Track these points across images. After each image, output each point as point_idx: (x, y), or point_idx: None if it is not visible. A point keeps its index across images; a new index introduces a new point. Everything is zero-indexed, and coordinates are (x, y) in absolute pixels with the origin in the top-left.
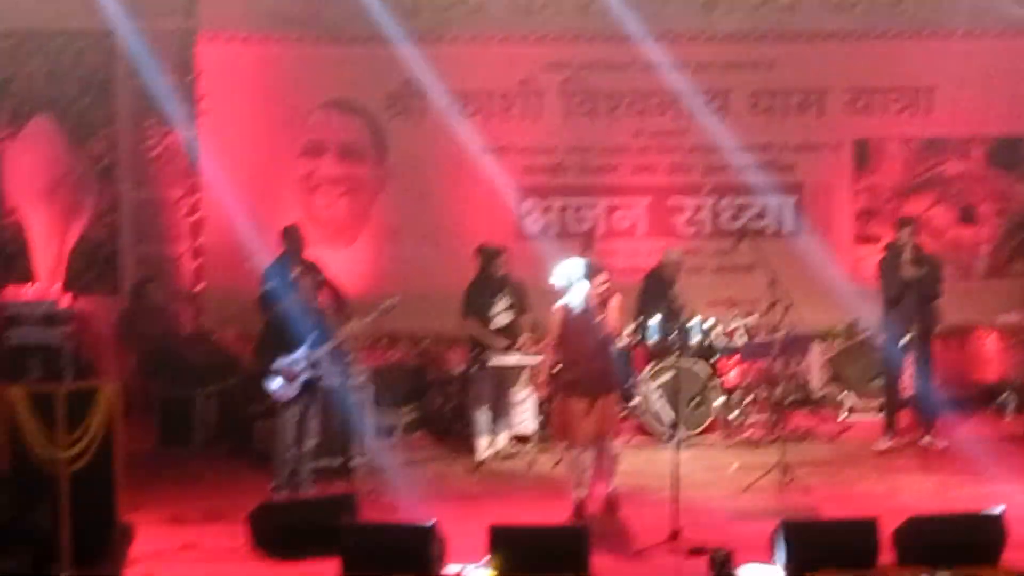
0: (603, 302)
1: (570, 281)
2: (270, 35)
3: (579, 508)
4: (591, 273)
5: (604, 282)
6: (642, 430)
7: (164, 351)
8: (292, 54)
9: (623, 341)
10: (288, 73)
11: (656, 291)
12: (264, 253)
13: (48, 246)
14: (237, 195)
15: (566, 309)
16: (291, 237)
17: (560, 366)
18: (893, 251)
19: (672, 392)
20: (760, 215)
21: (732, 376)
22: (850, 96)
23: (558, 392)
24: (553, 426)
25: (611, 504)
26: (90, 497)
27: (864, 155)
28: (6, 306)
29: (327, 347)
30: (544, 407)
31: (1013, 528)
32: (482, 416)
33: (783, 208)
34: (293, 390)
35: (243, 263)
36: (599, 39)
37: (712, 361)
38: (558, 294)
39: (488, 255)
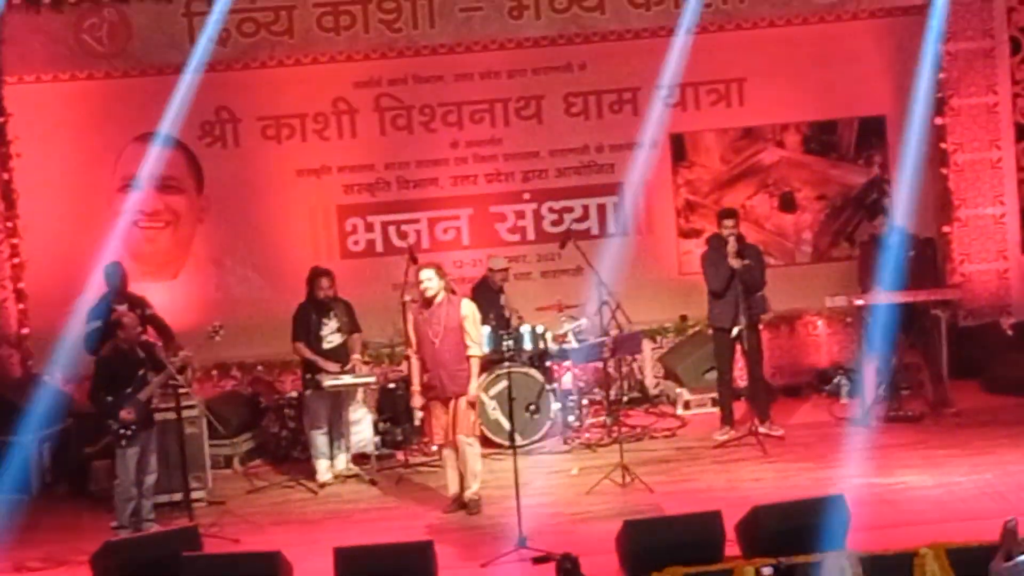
0: (448, 298)
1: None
2: (76, 75)
3: (454, 501)
4: (419, 270)
5: (437, 276)
6: (481, 440)
7: None
8: (101, 90)
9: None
10: (99, 109)
11: (485, 300)
12: (89, 292)
13: None
14: (57, 236)
15: (414, 313)
16: (111, 274)
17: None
18: (716, 243)
19: (508, 401)
20: (582, 217)
21: (566, 380)
22: (662, 92)
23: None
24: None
25: (472, 504)
26: None
27: (681, 150)
28: None
29: (156, 382)
30: (380, 425)
31: (854, 510)
32: (320, 439)
33: (605, 208)
34: (132, 430)
35: (68, 304)
36: (408, 53)
37: (545, 367)
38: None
39: (312, 277)
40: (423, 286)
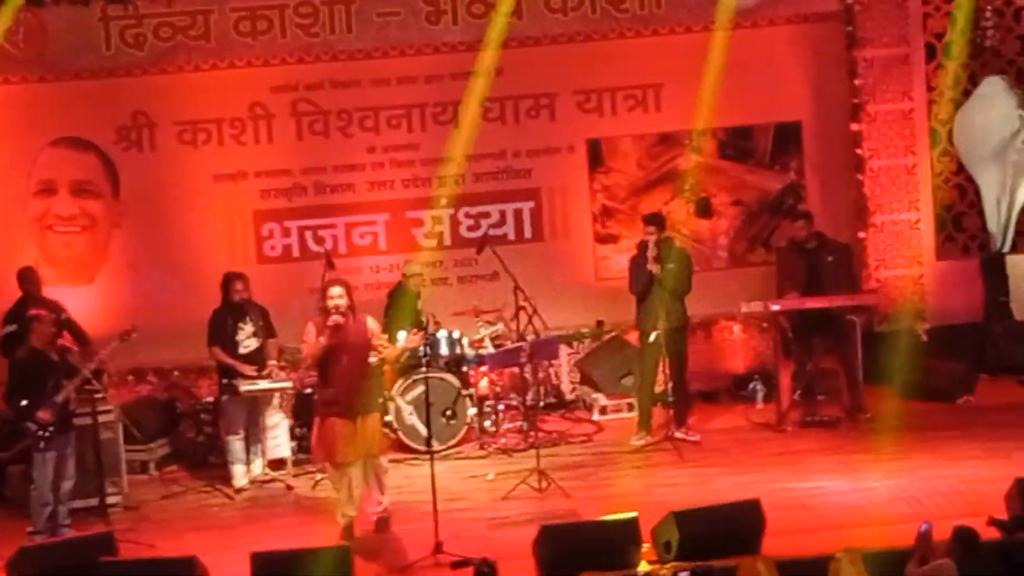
0: (354, 315)
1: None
2: None
3: (347, 528)
4: (327, 287)
5: (344, 295)
6: (397, 445)
7: None
8: (16, 95)
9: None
10: (14, 113)
11: (401, 305)
12: (3, 297)
13: None
14: None
15: (318, 326)
16: (26, 279)
17: (317, 385)
18: (641, 248)
19: (424, 405)
20: (499, 222)
21: (483, 385)
22: (580, 98)
23: (317, 412)
24: (314, 448)
25: (381, 523)
26: None
27: (598, 155)
28: None
29: (72, 384)
30: (296, 430)
31: (770, 514)
32: (236, 444)
33: (522, 214)
34: (50, 433)
35: None
36: (325, 58)
37: (462, 371)
38: (305, 315)
39: (225, 281)
40: (334, 303)
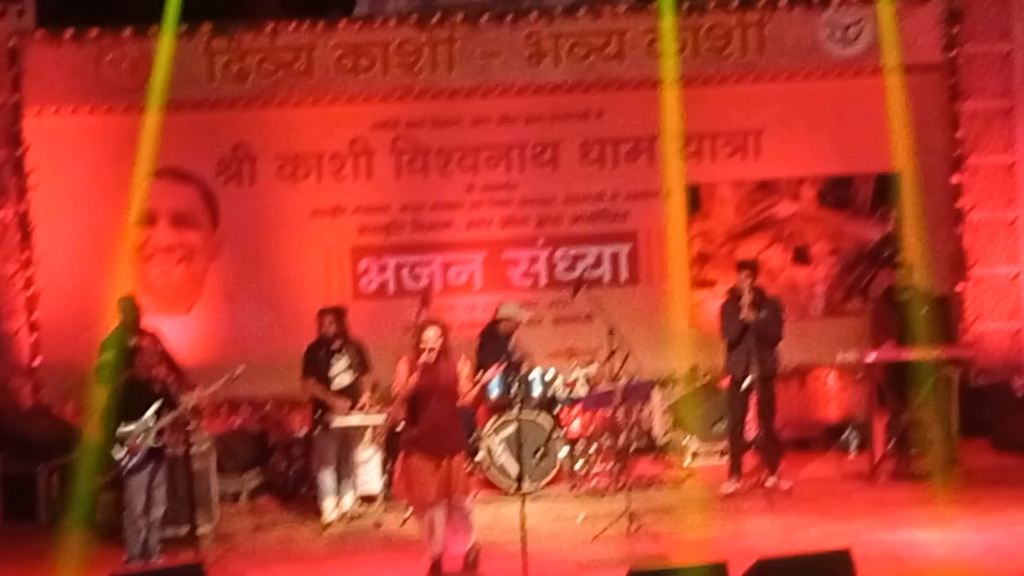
0: (446, 356)
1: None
2: (97, 107)
3: (435, 566)
4: (423, 328)
5: (439, 336)
6: (488, 484)
7: (5, 427)
8: (120, 124)
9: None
10: (117, 143)
11: (494, 345)
12: (101, 325)
13: None
14: (72, 268)
15: (410, 365)
16: (127, 307)
17: (404, 423)
18: (734, 295)
19: (516, 445)
20: (596, 264)
21: (575, 426)
22: (680, 142)
23: (402, 449)
24: (396, 484)
25: (470, 561)
26: None
27: (696, 200)
28: None
29: (171, 416)
30: (388, 466)
31: (860, 565)
32: (327, 478)
33: (618, 256)
34: (138, 459)
35: (80, 336)
36: (427, 95)
37: (554, 412)
38: (400, 352)
39: (321, 316)
40: (429, 345)
